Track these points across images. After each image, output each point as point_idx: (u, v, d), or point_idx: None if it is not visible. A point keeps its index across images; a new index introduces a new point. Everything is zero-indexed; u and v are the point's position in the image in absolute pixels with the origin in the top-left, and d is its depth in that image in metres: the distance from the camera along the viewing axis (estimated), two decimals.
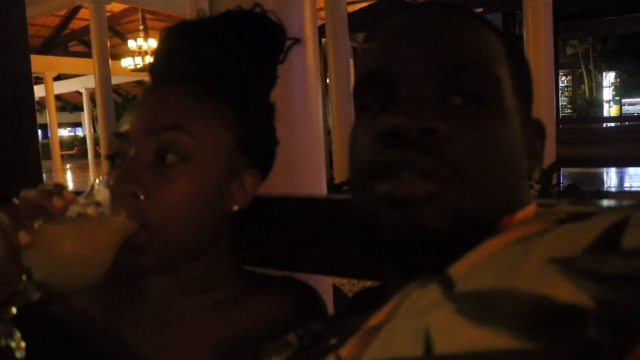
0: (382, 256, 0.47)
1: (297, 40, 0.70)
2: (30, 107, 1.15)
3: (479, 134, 0.43)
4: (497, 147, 0.44)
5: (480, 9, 7.96)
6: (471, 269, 0.35)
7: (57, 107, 18.33)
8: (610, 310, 0.27)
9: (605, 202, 0.59)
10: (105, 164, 0.65)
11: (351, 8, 8.69)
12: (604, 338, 0.26)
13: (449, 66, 0.44)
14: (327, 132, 6.92)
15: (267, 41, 0.68)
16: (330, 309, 0.75)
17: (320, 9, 6.69)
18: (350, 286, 3.40)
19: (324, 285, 0.84)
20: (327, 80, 7.04)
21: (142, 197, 0.58)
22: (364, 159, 0.45)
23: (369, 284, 0.62)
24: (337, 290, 1.40)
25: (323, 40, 6.79)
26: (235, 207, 0.66)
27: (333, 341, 0.46)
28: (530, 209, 0.45)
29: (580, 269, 0.29)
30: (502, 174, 0.44)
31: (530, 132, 0.50)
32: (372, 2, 9.65)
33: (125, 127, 0.62)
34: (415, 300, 0.36)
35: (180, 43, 0.68)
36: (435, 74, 0.44)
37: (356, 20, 7.40)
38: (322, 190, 1.19)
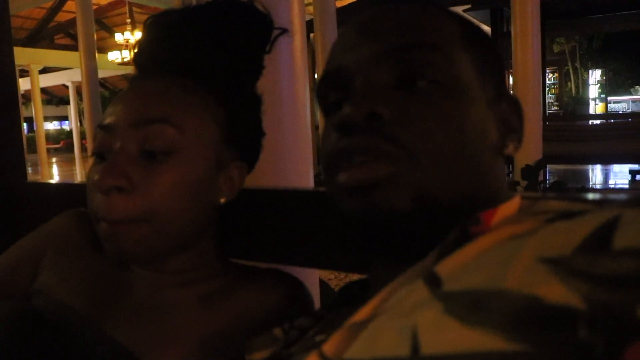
0: (358, 243, 0.48)
1: (285, 30, 0.70)
2: (14, 100, 1.13)
3: (432, 113, 0.44)
4: (452, 124, 0.44)
5: (468, 6, 7.98)
6: (459, 268, 0.34)
7: (43, 101, 18.14)
8: (602, 312, 0.26)
9: (592, 196, 0.59)
10: (91, 160, 0.65)
11: (340, 3, 8.67)
12: (595, 340, 0.26)
13: (397, 49, 0.45)
14: (315, 128, 6.91)
15: (254, 30, 0.68)
16: (317, 302, 0.75)
17: (309, 4, 6.67)
18: (337, 281, 3.41)
19: (311, 278, 0.84)
20: (315, 76, 7.03)
21: (127, 191, 0.57)
22: (326, 151, 0.47)
23: (356, 278, 0.62)
24: (323, 284, 1.40)
25: (311, 35, 6.77)
26: (222, 200, 0.65)
27: (319, 338, 0.46)
28: (514, 202, 0.45)
29: (570, 269, 0.29)
30: (461, 149, 0.44)
31: (503, 106, 0.50)
32: None
33: (110, 119, 0.61)
34: (401, 298, 0.35)
35: (166, 32, 0.67)
36: (385, 62, 0.46)
37: (345, 16, 7.38)
38: (309, 183, 1.18)
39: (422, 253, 0.39)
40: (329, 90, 0.50)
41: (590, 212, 0.33)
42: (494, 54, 0.51)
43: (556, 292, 0.28)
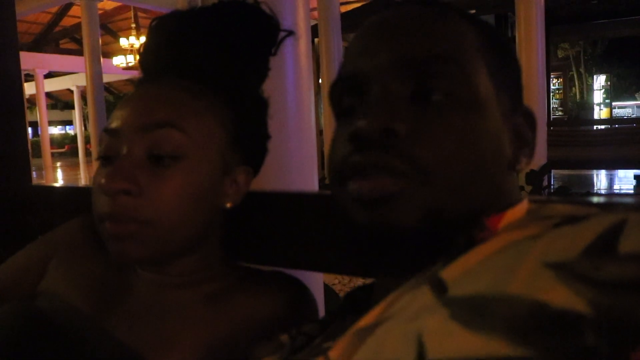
0: (365, 252, 0.48)
1: (291, 32, 0.69)
2: (19, 105, 1.14)
3: (447, 129, 0.43)
4: (468, 141, 0.43)
5: (473, 11, 7.98)
6: (464, 273, 0.34)
7: (47, 105, 18.21)
8: (607, 316, 0.26)
9: (598, 200, 0.59)
10: (95, 164, 0.65)
11: (344, 8, 8.70)
12: (601, 345, 0.26)
13: (415, 62, 0.44)
14: (319, 133, 6.92)
15: (260, 32, 0.68)
16: (321, 307, 0.74)
17: (313, 9, 6.69)
18: (342, 286, 3.40)
19: (315, 282, 0.84)
20: (320, 81, 7.04)
21: (134, 194, 0.57)
22: (337, 159, 0.46)
23: (360, 282, 0.61)
24: (327, 289, 1.40)
25: (316, 40, 6.79)
26: (228, 205, 0.65)
27: (326, 344, 0.46)
28: (522, 207, 0.45)
29: (576, 274, 0.29)
30: (475, 167, 0.43)
31: (518, 120, 0.49)
32: (365, 3, 9.66)
33: (116, 123, 0.61)
34: (407, 304, 0.35)
35: (171, 35, 0.67)
36: (402, 72, 0.44)
37: (349, 21, 7.40)
38: (314, 187, 1.18)
39: (429, 263, 0.38)
40: (343, 94, 0.48)
41: (595, 216, 0.33)
42: (512, 61, 0.50)
43: (561, 296, 0.28)
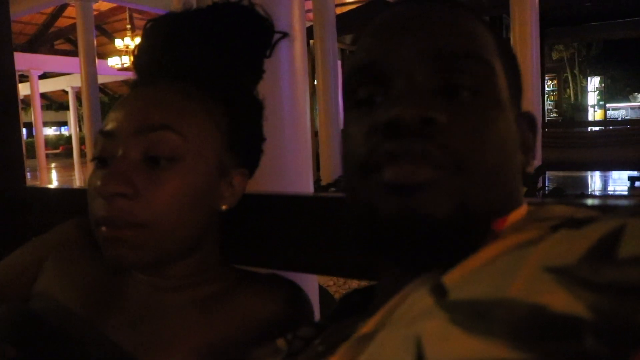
0: (380, 251, 0.45)
1: (285, 34, 0.69)
2: (13, 105, 1.14)
3: (478, 124, 0.43)
4: (496, 139, 0.43)
5: None
6: (465, 277, 0.34)
7: (42, 106, 18.14)
8: (607, 321, 0.26)
9: (597, 202, 0.59)
10: (90, 165, 0.64)
11: (339, 10, 8.70)
12: (601, 349, 0.26)
13: (444, 57, 0.44)
14: (315, 134, 6.91)
15: (255, 34, 0.68)
16: (316, 308, 0.74)
17: (309, 11, 6.69)
18: (337, 287, 3.40)
19: (310, 284, 0.84)
20: (315, 82, 7.04)
21: (130, 197, 0.57)
22: (360, 152, 0.44)
23: (355, 284, 0.61)
24: (322, 290, 1.40)
25: (311, 41, 6.79)
26: (224, 207, 0.65)
27: (322, 348, 0.46)
28: (522, 210, 0.45)
29: (576, 278, 0.29)
30: (501, 166, 0.43)
31: (523, 125, 0.49)
32: (360, 4, 9.67)
33: (112, 125, 0.61)
34: (407, 308, 0.35)
35: (165, 37, 0.67)
36: (430, 66, 0.44)
37: (344, 22, 7.41)
38: (309, 188, 1.18)
39: (439, 261, 0.38)
40: (360, 85, 0.46)
41: (595, 220, 0.33)
42: (518, 70, 0.50)
43: (561, 301, 0.28)
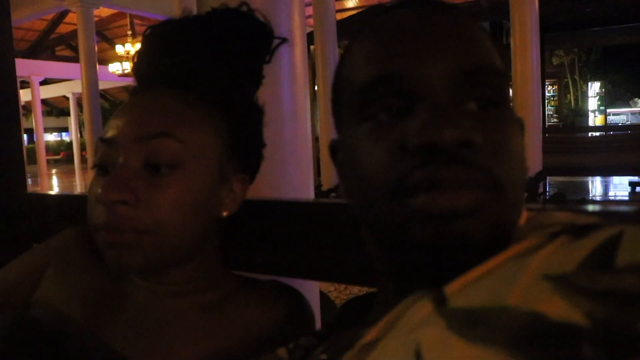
0: (408, 273, 0.44)
1: (285, 40, 0.70)
2: (15, 111, 1.14)
3: (505, 140, 0.42)
4: (519, 152, 0.43)
5: None
6: (464, 286, 0.34)
7: (43, 112, 18.18)
8: (604, 329, 0.26)
9: (596, 208, 0.59)
10: (91, 172, 0.64)
11: (340, 16, 8.73)
12: (598, 356, 0.26)
13: (466, 72, 0.42)
14: (315, 140, 6.92)
15: (254, 40, 0.68)
16: (317, 315, 0.74)
17: (309, 17, 6.72)
18: (337, 293, 3.39)
19: (311, 290, 0.84)
20: (316, 88, 7.06)
21: (131, 204, 0.57)
22: (387, 175, 0.41)
23: (356, 289, 0.61)
24: (323, 296, 1.39)
25: (311, 47, 6.81)
26: (225, 213, 0.65)
27: (324, 357, 0.45)
28: (522, 217, 0.45)
29: (573, 286, 0.29)
30: (525, 179, 0.43)
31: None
32: (361, 10, 9.70)
33: (112, 132, 0.61)
34: (408, 317, 0.35)
35: (165, 43, 0.67)
36: (453, 82, 0.42)
37: (345, 28, 7.43)
38: (310, 195, 1.18)
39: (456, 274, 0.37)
40: (377, 98, 0.43)
41: (593, 227, 0.33)
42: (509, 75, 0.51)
43: (559, 308, 0.28)
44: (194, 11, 0.71)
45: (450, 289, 0.35)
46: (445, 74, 0.42)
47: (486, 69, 0.43)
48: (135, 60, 0.69)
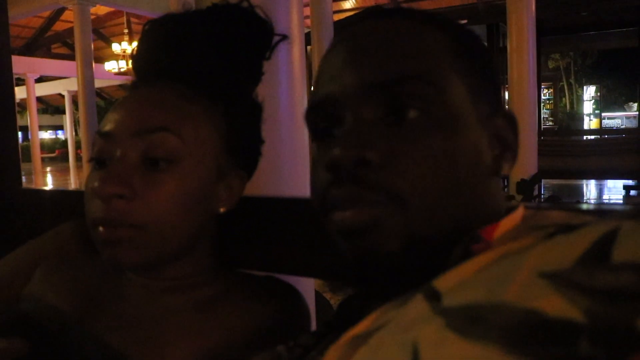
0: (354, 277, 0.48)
1: (285, 37, 0.70)
2: (10, 109, 1.13)
3: (422, 151, 0.43)
4: (443, 160, 0.43)
5: (465, 21, 8.06)
6: (459, 283, 0.34)
7: (38, 110, 18.11)
8: (602, 325, 0.26)
9: (593, 207, 0.59)
10: (86, 168, 0.64)
11: (337, 17, 8.74)
12: (596, 354, 0.26)
13: (384, 85, 0.44)
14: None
15: (254, 36, 0.68)
16: (312, 312, 0.74)
17: (307, 17, 6.72)
18: (332, 294, 3.39)
19: (307, 287, 0.84)
20: (312, 88, 7.06)
21: (128, 198, 0.57)
22: (317, 191, 0.47)
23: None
24: (318, 295, 1.39)
25: (309, 47, 6.81)
26: (222, 209, 0.65)
27: (321, 357, 0.45)
28: (517, 214, 0.45)
29: (570, 283, 0.28)
30: (453, 185, 0.43)
31: (499, 122, 0.48)
32: (357, 11, 9.70)
33: (110, 126, 0.60)
34: (401, 313, 0.35)
35: (165, 38, 0.66)
36: (373, 97, 0.44)
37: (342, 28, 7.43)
38: (307, 192, 1.18)
39: (422, 280, 0.38)
40: (318, 120, 0.49)
41: (588, 225, 0.33)
42: (488, 63, 0.50)
43: (556, 305, 0.28)
44: (193, 6, 0.71)
45: (443, 285, 0.34)
46: (362, 89, 0.45)
47: (406, 78, 0.44)
48: (134, 54, 0.69)
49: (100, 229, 0.58)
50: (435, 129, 0.43)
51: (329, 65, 0.48)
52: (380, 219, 0.42)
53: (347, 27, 0.50)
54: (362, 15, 0.50)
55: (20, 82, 14.70)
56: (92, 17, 9.71)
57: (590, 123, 20.91)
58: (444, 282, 0.35)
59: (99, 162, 0.61)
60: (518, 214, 0.44)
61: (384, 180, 0.42)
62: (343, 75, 0.46)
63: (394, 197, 0.42)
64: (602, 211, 0.55)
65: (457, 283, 0.34)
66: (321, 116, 0.48)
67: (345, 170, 0.43)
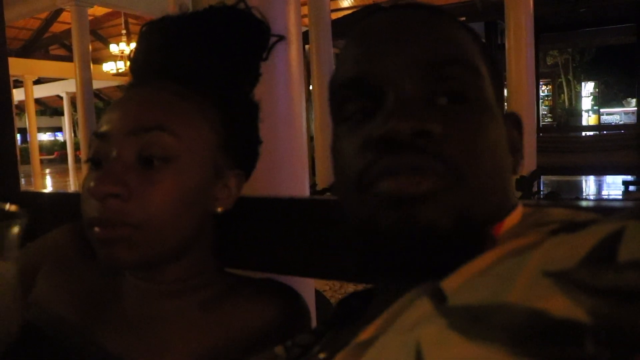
0: (380, 261, 0.45)
1: (282, 37, 0.69)
2: (8, 111, 1.13)
3: (471, 131, 0.43)
4: (490, 144, 0.43)
5: (463, 18, 8.06)
6: (464, 283, 0.34)
7: (37, 111, 18.09)
8: (607, 325, 0.26)
9: (595, 204, 0.59)
10: (85, 168, 0.64)
11: (335, 15, 8.73)
12: (601, 354, 0.25)
13: (432, 65, 0.44)
14: (310, 139, 6.92)
15: (251, 37, 0.68)
16: (313, 312, 0.74)
17: (304, 16, 6.71)
18: (332, 292, 3.39)
19: (307, 288, 0.84)
20: (310, 87, 7.06)
21: (124, 198, 0.57)
22: (355, 168, 0.44)
23: (351, 288, 0.61)
24: (318, 294, 1.39)
25: (306, 46, 6.80)
26: (219, 209, 0.65)
27: (322, 355, 0.45)
28: (517, 212, 0.45)
29: (575, 282, 0.28)
30: (496, 172, 0.44)
31: (509, 125, 0.50)
32: (355, 10, 9.72)
33: (106, 127, 0.60)
34: (406, 314, 0.35)
35: (162, 39, 0.66)
36: (419, 75, 0.44)
37: (340, 27, 7.43)
38: (305, 192, 1.18)
39: (439, 270, 0.38)
40: (350, 98, 0.46)
41: (593, 224, 0.33)
42: (500, 72, 0.51)
43: (561, 305, 0.28)
44: (190, 8, 0.71)
45: (449, 285, 0.34)
46: (409, 67, 0.44)
47: (454, 61, 0.44)
48: (132, 56, 0.69)
49: (96, 229, 0.58)
50: (477, 114, 0.44)
51: (365, 45, 0.47)
52: (440, 189, 0.41)
53: (371, 16, 0.49)
54: (385, 8, 0.49)
55: (19, 84, 14.68)
56: (90, 18, 9.69)
57: (588, 119, 20.92)
58: (450, 283, 0.35)
59: (96, 162, 0.60)
60: (518, 211, 0.45)
61: (445, 151, 0.41)
62: (387, 52, 0.45)
63: (454, 169, 0.41)
64: (602, 208, 0.55)
65: (461, 283, 0.34)
66: (355, 96, 0.46)
67: (403, 142, 0.41)
